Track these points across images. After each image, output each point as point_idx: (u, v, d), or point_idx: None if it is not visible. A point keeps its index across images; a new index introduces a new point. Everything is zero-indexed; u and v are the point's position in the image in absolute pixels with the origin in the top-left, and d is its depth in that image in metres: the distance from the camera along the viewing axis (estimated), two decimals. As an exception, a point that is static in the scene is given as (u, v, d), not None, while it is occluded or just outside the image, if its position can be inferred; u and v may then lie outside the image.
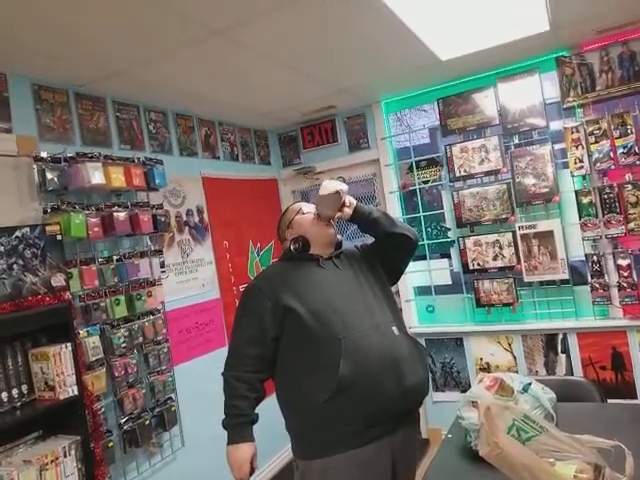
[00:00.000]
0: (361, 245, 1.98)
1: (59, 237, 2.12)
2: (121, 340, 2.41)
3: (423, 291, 3.80)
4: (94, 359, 2.24)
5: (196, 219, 3.16)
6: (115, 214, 2.38)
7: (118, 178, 2.40)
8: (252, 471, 1.67)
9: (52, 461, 1.92)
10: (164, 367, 2.68)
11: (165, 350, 2.69)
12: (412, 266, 3.78)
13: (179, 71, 2.49)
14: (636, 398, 3.04)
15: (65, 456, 1.97)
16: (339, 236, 1.92)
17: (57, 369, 1.96)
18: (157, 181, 2.64)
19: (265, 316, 1.67)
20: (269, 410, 1.80)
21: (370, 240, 1.96)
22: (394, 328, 1.71)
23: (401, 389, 1.62)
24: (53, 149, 2.29)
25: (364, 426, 1.59)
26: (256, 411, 1.71)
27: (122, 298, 2.45)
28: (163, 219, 2.70)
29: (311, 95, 3.28)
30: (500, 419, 1.54)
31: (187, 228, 3.08)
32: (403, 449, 1.71)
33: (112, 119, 2.66)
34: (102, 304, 2.34)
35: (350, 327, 1.63)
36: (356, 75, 3.02)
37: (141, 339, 2.54)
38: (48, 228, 2.08)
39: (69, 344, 2.02)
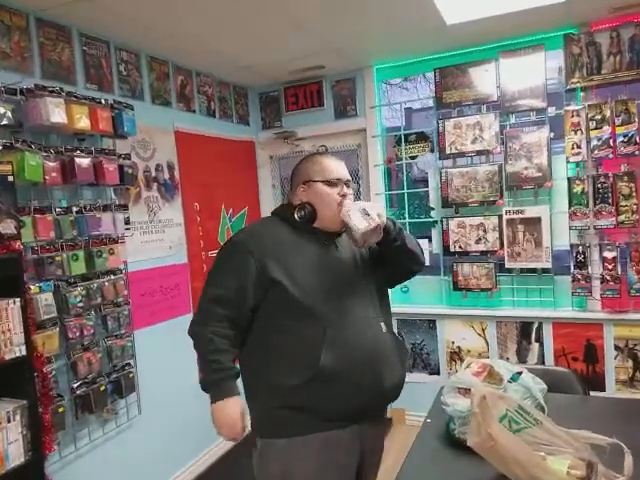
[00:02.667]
0: None
1: (11, 179, 1.86)
2: (77, 299, 2.18)
3: (399, 271, 3.68)
4: (46, 318, 2.01)
5: (166, 176, 2.91)
6: (77, 159, 2.12)
7: (82, 119, 2.13)
8: (243, 429, 1.49)
9: (-7, 426, 1.71)
10: (123, 331, 2.47)
11: (125, 313, 2.48)
12: (390, 244, 3.66)
13: (155, 2, 2.21)
14: (604, 390, 3.05)
15: (9, 421, 1.78)
16: None
17: (3, 326, 1.76)
18: (126, 128, 2.38)
19: (248, 283, 1.48)
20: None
21: None
22: (382, 324, 1.59)
23: (379, 388, 1.53)
24: (8, 78, 2.01)
25: (332, 416, 1.48)
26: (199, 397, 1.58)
27: (81, 254, 2.21)
28: (130, 171, 2.46)
29: (299, 50, 3.02)
30: (494, 408, 1.43)
31: (156, 184, 2.83)
32: (372, 440, 1.62)
33: (78, 53, 2.37)
34: (58, 258, 2.10)
35: (340, 316, 1.50)
36: (352, 29, 2.76)
37: (100, 300, 2.32)
38: (-2, 167, 1.82)
39: (18, 299, 1.80)
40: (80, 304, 2.19)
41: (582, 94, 2.98)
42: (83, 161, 2.14)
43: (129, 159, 2.49)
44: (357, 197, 3.67)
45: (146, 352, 2.66)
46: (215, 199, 3.38)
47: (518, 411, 1.47)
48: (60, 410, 2.09)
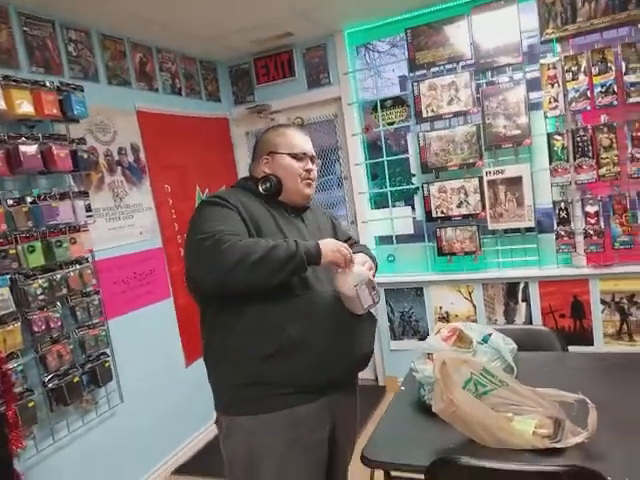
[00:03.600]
0: (332, 220, 1.78)
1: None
2: (39, 292, 2.12)
3: (384, 241, 3.62)
4: (3, 313, 1.95)
5: (130, 159, 2.82)
6: (22, 147, 2.02)
7: (23, 104, 2.03)
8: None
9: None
10: (96, 321, 2.42)
11: (96, 302, 2.42)
12: (374, 215, 3.60)
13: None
14: (592, 345, 3.02)
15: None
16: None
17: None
18: (76, 111, 2.27)
19: (241, 224, 1.40)
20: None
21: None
22: None
23: (347, 357, 1.49)
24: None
25: (300, 389, 1.42)
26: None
27: (37, 245, 2.12)
28: (86, 156, 2.37)
29: (264, 16, 2.88)
30: (457, 373, 1.40)
31: (120, 168, 2.74)
32: (343, 411, 1.58)
33: (18, 35, 2.24)
34: (12, 251, 2.02)
35: (305, 287, 1.43)
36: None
37: (65, 291, 2.25)
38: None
39: (-31, 296, 1.74)
40: (42, 296, 2.12)
41: (558, 45, 2.86)
42: (29, 148, 2.04)
43: (84, 143, 2.40)
44: (335, 170, 3.59)
45: (125, 340, 2.62)
46: (188, 180, 3.29)
47: (483, 374, 1.43)
48: (30, 405, 2.04)
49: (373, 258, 1.66)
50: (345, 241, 1.68)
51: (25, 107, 2.04)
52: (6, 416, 1.83)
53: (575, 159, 2.82)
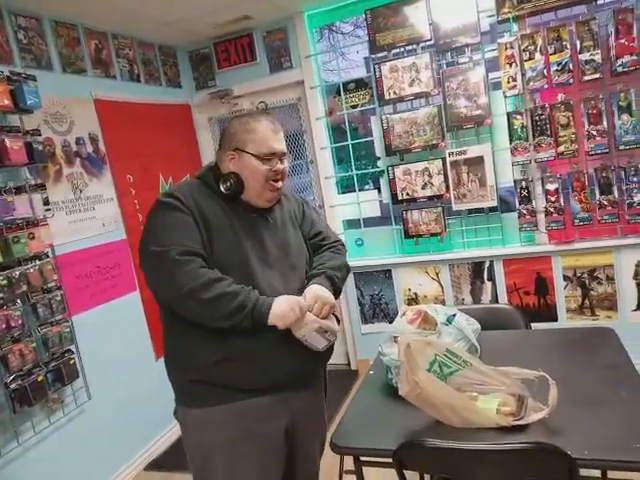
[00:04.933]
0: (304, 208, 1.70)
1: None
2: (-4, 290, 2.06)
3: (352, 224, 3.64)
4: (-42, 314, 1.90)
5: (89, 149, 2.74)
6: (-30, 140, 1.96)
7: (-31, 95, 1.95)
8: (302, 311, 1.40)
9: None
10: (59, 317, 2.36)
11: (58, 298, 2.36)
12: (341, 199, 3.60)
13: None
14: (556, 320, 3.11)
15: None
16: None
17: None
18: (29, 101, 2.19)
19: (197, 231, 1.37)
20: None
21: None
22: None
23: (293, 366, 1.45)
24: None
25: (248, 389, 1.42)
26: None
27: (-7, 242, 2.07)
28: (42, 147, 2.29)
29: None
30: (421, 355, 1.42)
31: (78, 159, 2.66)
32: (303, 409, 1.55)
33: (-39, 23, 2.15)
34: (-34, 249, 1.96)
35: (261, 291, 1.40)
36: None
37: (25, 288, 2.19)
38: None
39: None
40: (0, 295, 2.06)
41: (515, 25, 2.89)
42: (-21, 142, 1.97)
43: (39, 135, 2.31)
44: (301, 155, 3.57)
45: (90, 336, 2.56)
46: (151, 169, 3.22)
47: (447, 355, 1.46)
48: (-9, 407, 2.00)
49: (341, 267, 1.59)
50: (313, 237, 1.65)
51: (-30, 99, 1.96)
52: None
53: (534, 138, 2.88)
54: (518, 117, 2.90)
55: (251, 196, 1.49)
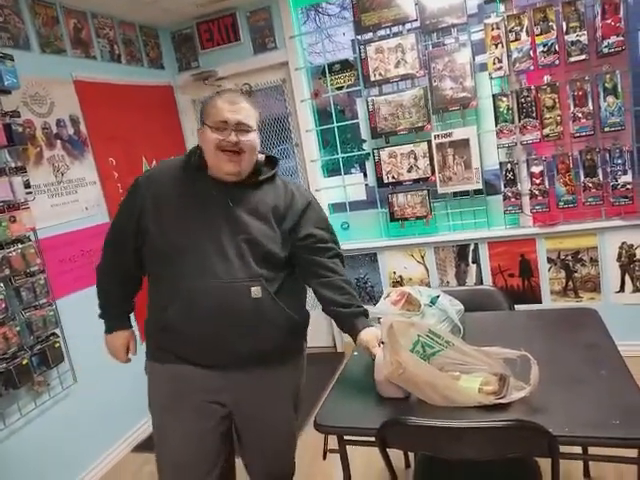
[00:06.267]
0: (301, 207, 1.58)
1: None
2: (-22, 274, 2.04)
3: (338, 208, 3.63)
4: (-61, 298, 1.87)
5: (70, 131, 2.69)
6: (-53, 121, 1.91)
7: (-56, 75, 1.90)
8: (125, 356, 1.73)
9: None
10: (43, 301, 2.35)
11: (42, 282, 2.34)
12: (327, 182, 3.59)
13: None
14: (540, 302, 3.15)
15: None
16: (261, 156, 1.56)
17: None
18: (6, 82, 2.14)
19: (128, 227, 1.52)
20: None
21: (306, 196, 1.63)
22: (255, 289, 1.44)
23: (229, 351, 1.49)
24: None
25: (187, 359, 1.53)
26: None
27: (-26, 225, 2.04)
28: (21, 129, 2.25)
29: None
30: (404, 336, 1.43)
31: (59, 142, 2.61)
32: (245, 389, 1.55)
33: None
34: (-54, 233, 1.93)
35: (197, 273, 1.44)
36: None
37: (8, 271, 2.17)
38: None
39: None
40: (-18, 278, 2.04)
41: (501, 5, 2.86)
42: (-46, 123, 1.93)
43: (18, 116, 2.26)
44: (287, 138, 3.54)
45: (75, 319, 2.53)
46: (134, 152, 3.17)
47: (429, 335, 1.47)
48: (-23, 390, 1.99)
49: (350, 292, 1.63)
50: (305, 238, 1.56)
51: (-55, 79, 1.91)
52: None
53: (520, 120, 2.88)
54: (504, 99, 2.90)
55: (212, 169, 1.49)
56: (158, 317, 1.51)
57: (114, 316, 1.69)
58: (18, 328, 2.22)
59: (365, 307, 1.62)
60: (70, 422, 2.51)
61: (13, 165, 2.25)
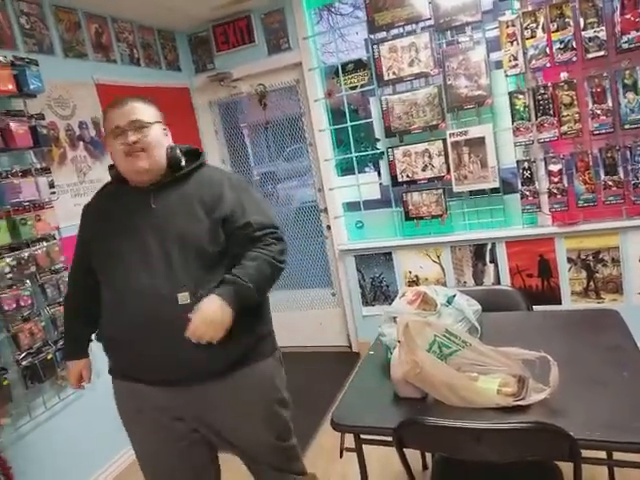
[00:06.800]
0: (227, 191, 1.50)
1: None
2: (7, 270, 2.11)
3: (352, 207, 3.64)
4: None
5: (92, 133, 2.75)
6: (-25, 125, 1.98)
7: (-23, 80, 1.96)
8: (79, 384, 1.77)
9: None
10: (67, 297, 2.42)
11: (65, 279, 2.40)
12: (340, 181, 3.60)
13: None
14: (560, 303, 3.09)
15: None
16: (179, 150, 1.52)
17: None
18: (32, 85, 2.21)
19: (79, 248, 1.63)
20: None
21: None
22: (182, 295, 1.38)
23: (167, 361, 1.42)
24: None
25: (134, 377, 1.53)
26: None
27: (2, 223, 2.12)
28: (46, 131, 2.31)
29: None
30: (420, 336, 1.43)
31: (82, 143, 2.68)
32: (218, 408, 1.51)
33: (-38, 8, 2.15)
34: (-25, 231, 2.00)
35: (124, 286, 1.44)
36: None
37: (34, 268, 2.25)
38: None
39: None
40: (10, 275, 2.12)
41: (516, 2, 2.85)
42: (-14, 126, 1.99)
43: (43, 119, 2.34)
44: (300, 137, 3.55)
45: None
46: (153, 153, 3.22)
47: (446, 335, 1.47)
48: (5, 383, 2.08)
49: (261, 266, 1.45)
50: (243, 227, 1.48)
51: (-25, 84, 1.97)
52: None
53: (537, 118, 2.85)
54: (520, 97, 2.88)
55: (128, 177, 1.49)
56: (102, 333, 1.57)
57: (70, 347, 1.74)
58: (43, 323, 2.29)
59: (243, 279, 1.41)
60: (92, 416, 2.57)
61: (38, 166, 2.32)
